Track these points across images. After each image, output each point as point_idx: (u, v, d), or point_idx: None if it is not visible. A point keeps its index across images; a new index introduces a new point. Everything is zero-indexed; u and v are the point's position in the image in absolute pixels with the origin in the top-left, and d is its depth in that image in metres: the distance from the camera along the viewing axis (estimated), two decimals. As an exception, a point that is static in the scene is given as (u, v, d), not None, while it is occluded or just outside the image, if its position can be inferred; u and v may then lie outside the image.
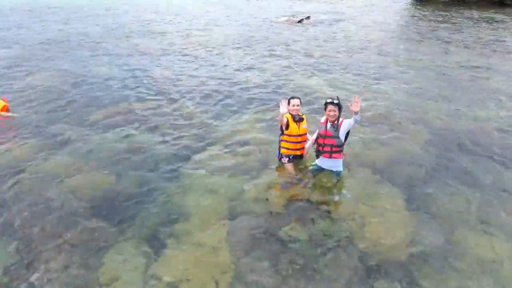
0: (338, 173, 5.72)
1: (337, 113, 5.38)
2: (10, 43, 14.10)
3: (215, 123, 7.67)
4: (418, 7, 23.88)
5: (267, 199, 5.38)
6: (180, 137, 7.09)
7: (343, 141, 5.50)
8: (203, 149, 6.68)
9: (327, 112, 5.42)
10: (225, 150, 6.62)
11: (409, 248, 4.53)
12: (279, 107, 5.45)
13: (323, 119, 5.61)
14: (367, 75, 10.81)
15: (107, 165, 6.15)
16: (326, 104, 5.44)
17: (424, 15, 20.95)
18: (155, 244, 4.56)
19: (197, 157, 6.43)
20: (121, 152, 6.57)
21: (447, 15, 20.70)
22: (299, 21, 18.88)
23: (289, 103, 5.61)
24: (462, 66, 11.75)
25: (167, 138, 7.05)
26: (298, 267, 4.24)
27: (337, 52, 13.30)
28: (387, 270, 4.22)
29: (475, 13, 21.17)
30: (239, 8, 22.70)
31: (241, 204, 5.24)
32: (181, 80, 10.25)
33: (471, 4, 23.82)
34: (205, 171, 6.01)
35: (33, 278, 4.09)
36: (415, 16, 20.96)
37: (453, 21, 19.10)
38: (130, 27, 16.96)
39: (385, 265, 4.29)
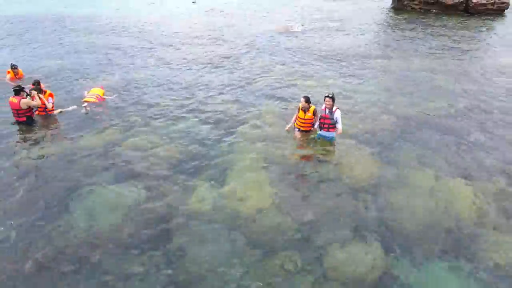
0: (331, 140, 8.91)
1: (331, 103, 8.54)
2: (58, 55, 16.93)
3: (244, 111, 10.78)
4: (395, 15, 27.41)
5: (288, 154, 8.53)
6: (225, 120, 10.18)
7: (335, 121, 8.66)
8: (243, 125, 9.82)
9: (325, 102, 8.59)
10: (256, 127, 9.77)
11: (373, 178, 7.73)
12: (286, 101, 8.68)
13: (323, 107, 8.77)
14: (348, 76, 14.07)
15: (178, 140, 9.20)
16: (325, 97, 8.61)
17: (398, 24, 24.42)
18: (222, 179, 7.64)
19: (239, 129, 9.59)
20: (185, 131, 9.62)
21: (418, 24, 24.18)
22: (294, 29, 22.12)
23: (302, 100, 8.83)
24: (422, 70, 15.09)
25: (221, 123, 10.13)
26: (309, 191, 7.39)
27: (326, 58, 16.54)
28: (358, 190, 7.40)
29: (442, 22, 24.72)
30: (237, 18, 25.81)
31: (273, 157, 8.38)
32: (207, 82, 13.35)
33: (440, 14, 27.39)
34: (246, 139, 9.14)
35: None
36: (391, 25, 24.41)
37: (422, 29, 22.57)
38: (154, 39, 19.96)
39: (357, 187, 7.47)
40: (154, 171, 7.90)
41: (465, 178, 7.83)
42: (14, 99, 9.26)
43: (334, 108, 8.61)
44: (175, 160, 8.36)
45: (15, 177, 7.66)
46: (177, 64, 15.55)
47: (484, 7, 26.92)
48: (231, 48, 18.00)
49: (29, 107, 9.41)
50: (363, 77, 14.07)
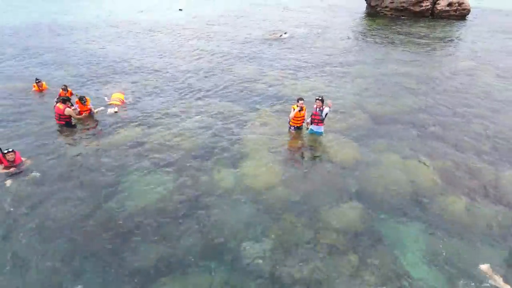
0: (320, 134, 11.10)
1: (321, 103, 10.70)
2: (63, 63, 18.51)
3: (246, 110, 12.84)
4: (369, 22, 30.04)
5: (287, 144, 10.65)
6: (230, 117, 12.20)
7: (324, 118, 10.83)
8: (247, 122, 11.85)
9: (316, 103, 10.74)
10: (257, 123, 11.85)
11: (354, 160, 9.93)
12: (279, 101, 10.79)
13: (314, 106, 10.91)
14: (330, 80, 16.34)
15: (195, 133, 11.16)
16: (316, 99, 10.77)
17: (372, 30, 27.00)
18: (237, 163, 9.67)
19: (244, 125, 11.62)
20: (199, 126, 11.58)
21: (389, 30, 26.83)
22: (280, 36, 24.32)
23: (298, 101, 10.93)
24: (392, 73, 17.55)
25: (227, 119, 12.14)
26: (306, 169, 9.53)
27: (310, 63, 18.79)
28: (343, 168, 9.58)
29: (410, 28, 27.46)
30: (230, 25, 27.82)
31: (276, 146, 10.48)
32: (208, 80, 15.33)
33: (408, 19, 30.19)
34: (251, 132, 11.20)
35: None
36: (365, 31, 26.96)
37: (392, 35, 25.19)
38: (148, 47, 21.72)
39: (342, 166, 9.65)
40: (180, 159, 9.86)
41: (424, 158, 10.15)
42: (61, 106, 11.08)
43: (323, 107, 10.78)
44: (196, 149, 10.34)
45: (70, 168, 9.47)
46: (176, 71, 17.46)
47: (447, 13, 29.93)
48: (224, 55, 20.02)
49: (70, 115, 11.25)
50: (342, 80, 16.37)
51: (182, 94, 14.49)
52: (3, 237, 7.23)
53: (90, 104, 12.09)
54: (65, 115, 11.14)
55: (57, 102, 11.39)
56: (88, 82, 15.75)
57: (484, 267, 6.82)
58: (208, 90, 14.87)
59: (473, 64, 19.09)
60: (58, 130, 11.33)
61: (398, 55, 20.54)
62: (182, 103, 13.60)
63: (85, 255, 6.89)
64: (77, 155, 9.99)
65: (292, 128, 11.31)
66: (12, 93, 14.43)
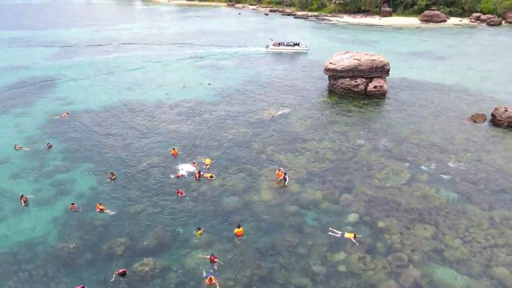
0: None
1: (282, 173, 29.34)
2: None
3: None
4: (327, 98, 49.18)
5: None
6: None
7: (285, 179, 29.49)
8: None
9: (277, 173, 29.38)
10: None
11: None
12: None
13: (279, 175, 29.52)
14: (291, 153, 35.08)
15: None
16: (278, 169, 29.45)
17: (329, 107, 46.04)
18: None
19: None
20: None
21: (338, 106, 45.82)
22: (273, 116, 43.10)
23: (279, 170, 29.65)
24: (337, 148, 36.30)
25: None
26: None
27: (275, 135, 37.49)
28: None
29: (351, 103, 46.51)
30: (246, 103, 46.58)
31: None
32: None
33: (352, 96, 49.26)
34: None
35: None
36: (324, 107, 45.94)
37: (340, 110, 44.12)
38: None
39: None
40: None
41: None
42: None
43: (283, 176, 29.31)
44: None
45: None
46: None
47: (373, 92, 49.30)
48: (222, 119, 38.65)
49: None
50: (301, 153, 35.02)
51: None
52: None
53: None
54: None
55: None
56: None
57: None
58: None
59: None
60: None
61: (343, 129, 39.40)
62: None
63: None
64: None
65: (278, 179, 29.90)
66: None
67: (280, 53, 76.21)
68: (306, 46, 77.71)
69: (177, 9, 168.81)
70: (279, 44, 78.79)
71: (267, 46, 78.98)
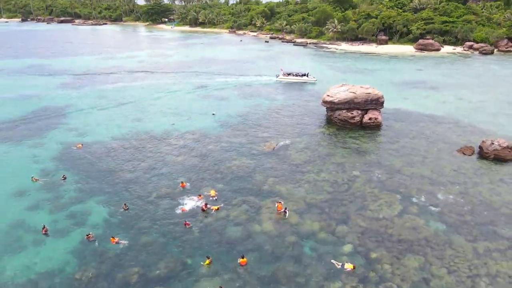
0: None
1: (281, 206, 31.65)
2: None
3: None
4: (326, 129, 51.90)
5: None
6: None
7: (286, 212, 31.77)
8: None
9: (277, 205, 31.71)
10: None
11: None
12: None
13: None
14: (291, 183, 37.43)
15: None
16: (276, 202, 31.77)
17: (328, 138, 48.68)
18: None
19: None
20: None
21: (336, 137, 48.46)
22: (273, 148, 45.65)
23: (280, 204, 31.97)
24: (334, 180, 38.68)
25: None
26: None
27: (278, 168, 39.92)
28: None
29: (348, 134, 49.15)
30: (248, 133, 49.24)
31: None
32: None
33: (349, 127, 51.97)
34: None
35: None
36: (323, 139, 48.59)
37: (338, 142, 46.71)
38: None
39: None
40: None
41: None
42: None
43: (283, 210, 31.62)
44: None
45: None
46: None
47: (369, 124, 52.05)
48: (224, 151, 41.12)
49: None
50: (300, 184, 37.32)
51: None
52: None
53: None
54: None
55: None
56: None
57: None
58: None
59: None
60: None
61: (341, 160, 41.87)
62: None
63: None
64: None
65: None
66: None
67: (288, 83, 79.25)
68: (314, 77, 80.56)
69: (181, 35, 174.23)
70: (289, 74, 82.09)
71: (277, 76, 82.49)
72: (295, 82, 79.96)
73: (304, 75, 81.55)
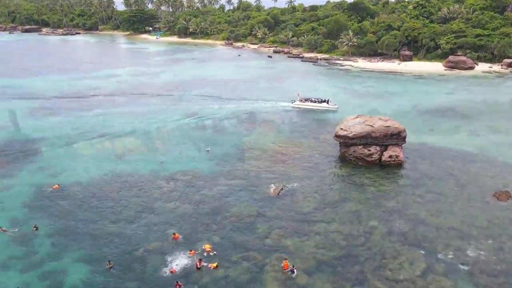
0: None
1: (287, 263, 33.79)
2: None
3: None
4: (339, 167, 54.42)
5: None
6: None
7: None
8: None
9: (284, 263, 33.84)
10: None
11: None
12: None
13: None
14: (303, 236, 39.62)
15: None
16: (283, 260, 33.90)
17: (341, 179, 51.11)
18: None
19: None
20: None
21: (351, 178, 50.87)
22: (278, 193, 47.97)
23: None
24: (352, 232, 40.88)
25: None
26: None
27: (294, 214, 42.15)
28: None
29: (365, 174, 51.56)
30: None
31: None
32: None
33: (365, 166, 54.46)
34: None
35: None
36: (336, 180, 51.01)
37: (357, 186, 49.08)
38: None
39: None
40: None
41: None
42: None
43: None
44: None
45: None
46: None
47: (389, 162, 54.59)
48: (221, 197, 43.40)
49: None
50: (309, 237, 39.44)
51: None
52: None
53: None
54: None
55: None
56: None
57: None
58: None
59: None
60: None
61: (357, 206, 44.14)
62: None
63: None
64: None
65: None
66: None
67: (305, 110, 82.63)
68: (335, 104, 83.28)
69: (167, 48, 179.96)
70: (306, 100, 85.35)
71: (292, 101, 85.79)
72: (313, 110, 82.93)
73: (324, 101, 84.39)
